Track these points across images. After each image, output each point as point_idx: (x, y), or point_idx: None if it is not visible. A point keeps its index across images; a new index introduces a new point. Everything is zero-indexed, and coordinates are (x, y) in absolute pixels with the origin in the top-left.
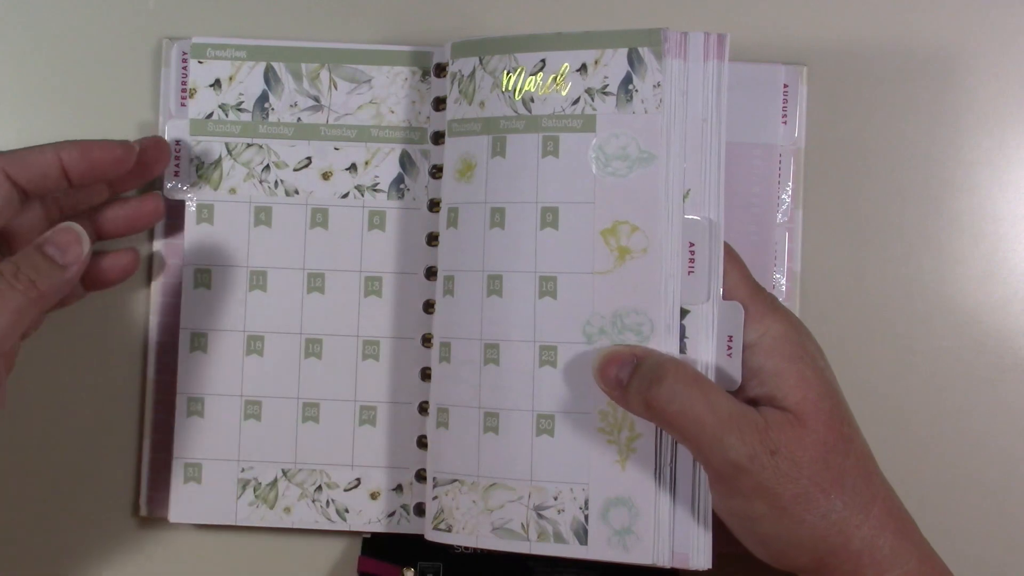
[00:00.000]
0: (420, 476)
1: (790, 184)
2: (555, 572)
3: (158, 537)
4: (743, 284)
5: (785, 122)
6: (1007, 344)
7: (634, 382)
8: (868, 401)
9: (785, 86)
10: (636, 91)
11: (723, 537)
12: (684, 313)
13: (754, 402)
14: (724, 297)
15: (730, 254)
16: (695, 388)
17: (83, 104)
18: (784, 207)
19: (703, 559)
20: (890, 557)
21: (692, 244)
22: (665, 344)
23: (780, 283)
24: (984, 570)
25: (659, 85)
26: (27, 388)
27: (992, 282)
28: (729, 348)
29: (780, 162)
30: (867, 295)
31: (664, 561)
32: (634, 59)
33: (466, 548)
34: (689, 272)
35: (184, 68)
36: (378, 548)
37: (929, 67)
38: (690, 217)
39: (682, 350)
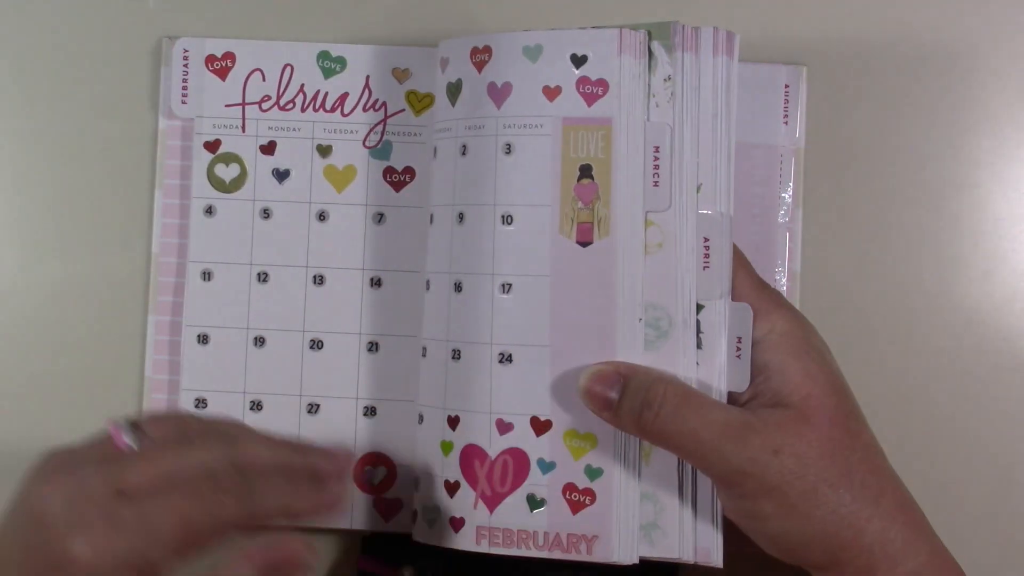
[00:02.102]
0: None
1: (791, 184)
2: (555, 571)
3: None
4: (748, 281)
5: (786, 122)
6: (1007, 344)
7: (624, 404)
8: (868, 401)
9: (786, 86)
10: (648, 85)
11: (730, 537)
12: (699, 308)
13: (760, 398)
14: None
15: (734, 251)
16: (687, 406)
17: (83, 103)
18: (785, 207)
19: (717, 556)
20: (903, 549)
21: (707, 239)
22: (683, 339)
23: (781, 283)
24: (984, 569)
25: (670, 79)
26: (26, 387)
27: (992, 282)
28: (738, 349)
29: (781, 162)
30: (867, 295)
31: (688, 556)
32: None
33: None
34: (704, 267)
35: (185, 66)
36: (378, 547)
37: (929, 67)
38: (704, 212)
39: (699, 345)
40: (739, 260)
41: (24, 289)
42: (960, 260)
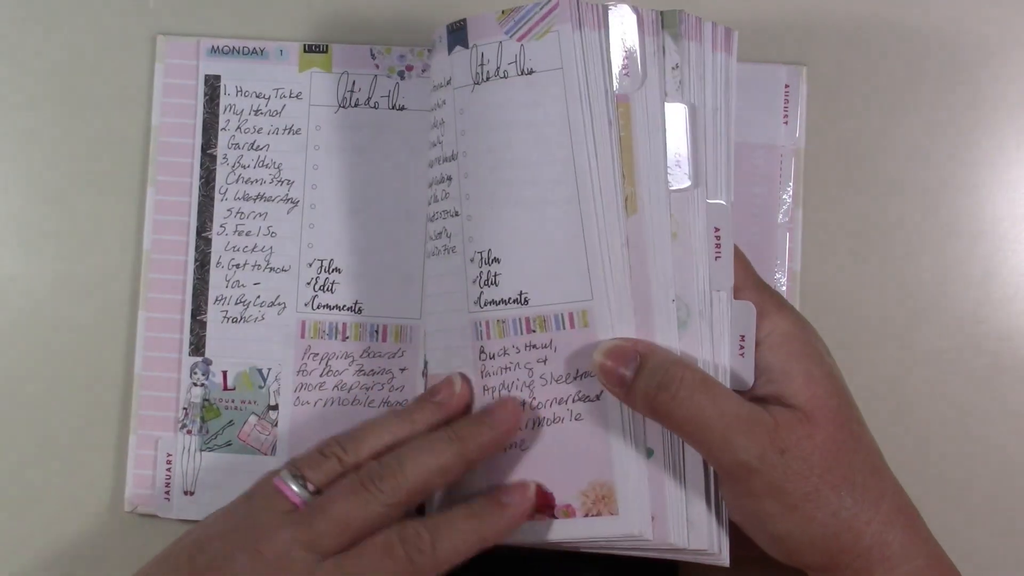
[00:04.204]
0: None
1: (791, 184)
2: (556, 570)
3: (151, 532)
4: (749, 281)
5: (786, 122)
6: (1007, 344)
7: (639, 384)
8: (868, 401)
9: (786, 86)
10: (662, 67)
11: (733, 539)
12: None
13: (762, 400)
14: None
15: (735, 251)
16: (702, 392)
17: (83, 102)
18: (785, 207)
19: (724, 555)
20: (900, 553)
21: (717, 229)
22: (700, 330)
23: (780, 283)
24: (984, 570)
25: (677, 67)
26: (16, 383)
27: (992, 282)
28: (741, 348)
29: (781, 162)
30: (867, 295)
31: (715, 548)
32: None
33: None
34: (716, 257)
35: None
36: None
37: (929, 67)
38: (713, 201)
39: None
40: (739, 260)
41: (15, 285)
42: (960, 260)
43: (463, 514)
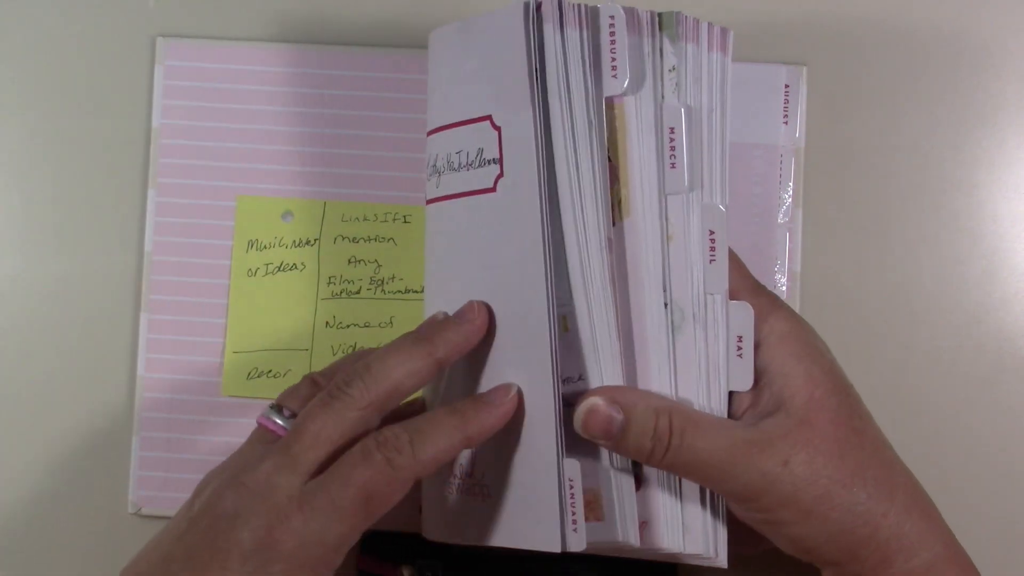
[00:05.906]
0: None
1: (791, 184)
2: (554, 571)
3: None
4: (745, 283)
5: (786, 122)
6: (1007, 344)
7: (630, 442)
8: (868, 401)
9: (786, 86)
10: (659, 69)
11: (733, 537)
12: None
13: (763, 401)
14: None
15: (731, 255)
16: (693, 435)
17: (83, 103)
18: (785, 207)
19: (723, 558)
20: (917, 542)
21: (712, 232)
22: (695, 334)
23: (780, 283)
24: (985, 569)
25: (674, 69)
26: (19, 384)
27: (992, 282)
28: (739, 349)
29: (781, 162)
30: (867, 295)
31: (712, 552)
32: None
33: (465, 547)
34: (711, 260)
35: None
36: (377, 546)
37: (929, 67)
38: (708, 204)
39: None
40: (734, 262)
41: (16, 286)
42: (960, 260)
43: (444, 412)
